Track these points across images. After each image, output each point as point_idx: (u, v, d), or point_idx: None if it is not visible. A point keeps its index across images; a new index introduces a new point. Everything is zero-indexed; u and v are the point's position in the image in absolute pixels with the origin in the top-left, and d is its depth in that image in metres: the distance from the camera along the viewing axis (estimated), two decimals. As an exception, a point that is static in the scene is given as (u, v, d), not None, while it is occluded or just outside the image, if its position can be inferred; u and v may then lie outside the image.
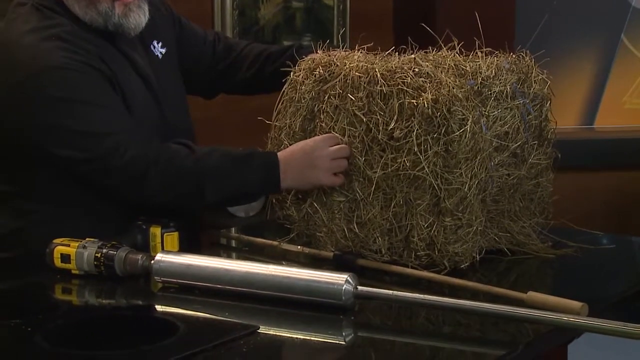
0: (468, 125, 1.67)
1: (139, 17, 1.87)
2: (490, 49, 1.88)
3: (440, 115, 1.68)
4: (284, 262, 1.79)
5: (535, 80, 1.86)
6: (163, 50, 2.00)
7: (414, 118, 1.70)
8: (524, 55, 1.88)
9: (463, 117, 1.68)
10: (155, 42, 1.99)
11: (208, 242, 1.98)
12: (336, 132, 1.80)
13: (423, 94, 1.70)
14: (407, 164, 1.70)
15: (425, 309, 1.52)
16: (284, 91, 1.91)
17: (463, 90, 1.70)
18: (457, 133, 1.67)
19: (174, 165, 1.80)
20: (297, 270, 1.56)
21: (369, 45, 1.88)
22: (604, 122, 4.20)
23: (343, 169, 1.79)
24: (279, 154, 1.83)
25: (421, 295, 1.48)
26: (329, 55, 1.88)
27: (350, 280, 1.50)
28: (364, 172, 1.77)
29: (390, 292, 1.50)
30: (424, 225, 1.71)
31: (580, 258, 1.81)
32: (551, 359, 1.78)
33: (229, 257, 1.90)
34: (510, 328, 1.45)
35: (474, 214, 1.71)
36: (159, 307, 1.62)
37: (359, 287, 1.50)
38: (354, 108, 1.77)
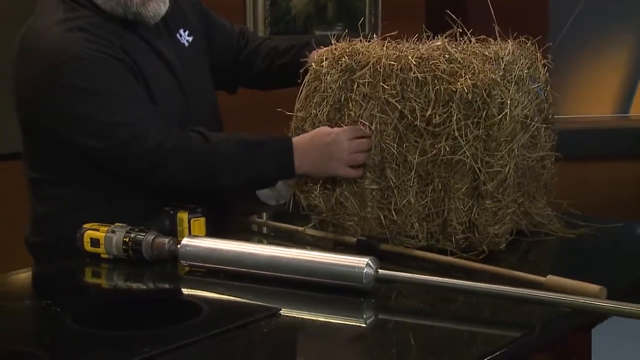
0: (508, 109, 1.70)
1: (158, 6, 1.90)
2: (523, 38, 1.88)
3: (480, 99, 1.70)
4: (308, 247, 1.81)
5: (542, 65, 1.87)
6: (190, 39, 2.02)
7: (453, 103, 1.72)
8: (528, 42, 1.88)
9: (502, 100, 1.71)
10: (182, 30, 2.01)
11: (235, 228, 2.00)
12: (365, 121, 1.82)
13: (460, 79, 1.72)
14: (447, 149, 1.72)
15: (445, 292, 1.53)
16: (305, 81, 1.92)
17: (500, 74, 1.72)
18: (498, 117, 1.70)
19: (190, 153, 1.84)
20: (319, 254, 1.59)
21: (392, 33, 1.89)
22: (639, 110, 4.17)
23: (361, 162, 1.81)
24: (295, 139, 1.86)
25: (440, 279, 1.50)
26: (352, 44, 1.88)
27: (371, 263, 1.52)
28: (398, 159, 1.79)
29: (410, 275, 1.52)
30: (462, 209, 1.74)
31: (600, 239, 1.83)
32: (575, 345, 1.78)
33: (254, 242, 1.92)
34: (527, 311, 1.46)
35: (512, 196, 1.75)
36: (184, 290, 1.67)
37: (380, 271, 1.52)
38: (386, 96, 1.79)
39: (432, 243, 1.78)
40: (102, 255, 1.75)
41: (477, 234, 1.73)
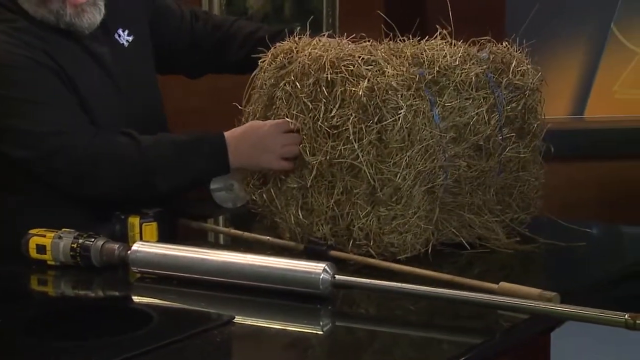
0: (401, 115, 1.67)
1: (93, 17, 1.86)
2: (475, 39, 1.86)
3: (373, 104, 1.68)
4: (264, 253, 1.77)
5: (517, 72, 1.83)
6: (130, 38, 1.98)
7: (351, 106, 1.71)
8: (509, 45, 1.85)
9: (397, 106, 1.68)
10: (120, 30, 1.97)
11: (188, 233, 1.95)
12: (288, 119, 1.82)
13: (361, 82, 1.69)
14: (345, 153, 1.71)
15: (403, 298, 1.50)
16: (253, 76, 1.92)
17: (400, 79, 1.70)
18: (389, 122, 1.67)
19: (121, 159, 1.81)
20: (274, 259, 1.56)
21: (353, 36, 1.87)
22: (594, 112, 4.19)
23: (293, 155, 1.81)
24: (227, 133, 1.85)
25: (399, 284, 1.47)
26: (296, 42, 1.87)
27: (328, 269, 1.49)
28: (309, 160, 1.79)
29: (369, 280, 1.49)
30: (361, 215, 1.72)
31: (544, 253, 1.79)
32: (534, 349, 1.76)
33: (207, 247, 1.86)
34: (487, 316, 1.45)
35: (412, 206, 1.71)
36: (135, 298, 1.64)
37: (337, 276, 1.48)
38: (302, 95, 1.79)
39: (340, 247, 1.75)
40: (49, 262, 1.71)
41: (371, 242, 1.70)
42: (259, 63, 1.90)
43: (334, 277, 1.50)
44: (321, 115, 1.75)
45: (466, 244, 1.78)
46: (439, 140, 1.73)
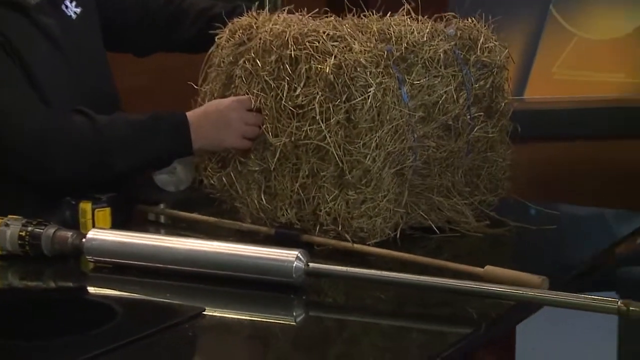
0: (370, 93, 1.60)
1: None
2: (439, 15, 1.79)
3: (341, 82, 1.61)
4: (228, 239, 1.68)
5: (484, 48, 1.77)
6: (78, 10, 1.87)
7: (317, 84, 1.63)
8: (475, 21, 1.79)
9: (366, 84, 1.61)
10: (67, 1, 1.86)
11: (140, 219, 1.85)
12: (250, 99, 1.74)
13: (328, 59, 1.62)
14: (311, 133, 1.64)
15: (380, 286, 1.42)
16: (209, 54, 1.83)
17: (370, 55, 1.62)
18: (358, 100, 1.60)
19: (75, 140, 1.71)
20: (244, 247, 1.47)
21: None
22: (534, 93, 4.18)
23: (254, 135, 1.73)
24: (189, 113, 1.76)
25: (377, 272, 1.40)
26: (254, 17, 1.78)
27: (301, 256, 1.41)
28: (272, 141, 1.71)
29: (344, 268, 1.41)
30: (328, 199, 1.65)
31: (514, 236, 1.74)
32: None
33: (164, 234, 1.77)
34: (471, 305, 1.38)
35: (382, 189, 1.64)
36: (92, 290, 1.53)
37: (310, 264, 1.40)
38: (264, 73, 1.70)
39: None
40: (-7, 252, 1.58)
41: (339, 226, 1.64)
42: (216, 40, 1.80)
43: (308, 265, 1.42)
44: (284, 94, 1.66)
45: (435, 228, 1.72)
46: (408, 120, 1.66)
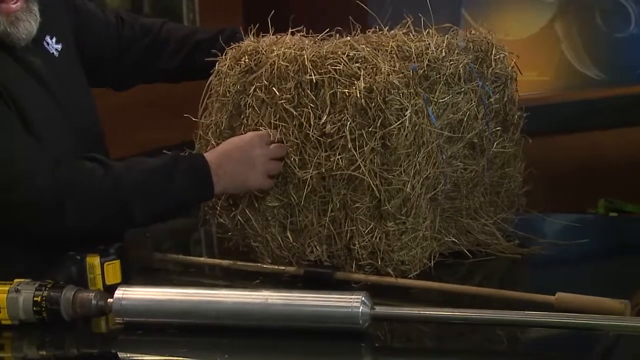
0: (407, 116, 1.50)
1: (30, 24, 1.61)
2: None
3: (375, 106, 1.50)
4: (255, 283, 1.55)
5: (495, 59, 1.69)
6: (59, 47, 1.71)
7: (347, 110, 1.52)
8: (481, 31, 1.71)
9: (401, 107, 1.51)
10: (48, 38, 1.70)
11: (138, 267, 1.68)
12: (264, 129, 1.61)
13: (356, 82, 1.52)
14: (342, 163, 1.52)
15: (446, 326, 1.32)
16: (209, 83, 1.69)
17: (401, 76, 1.53)
18: (395, 125, 1.49)
19: (92, 190, 1.55)
20: (298, 294, 1.34)
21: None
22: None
23: (278, 172, 1.61)
24: (208, 154, 1.62)
25: (452, 311, 1.30)
26: (257, 42, 1.65)
27: (365, 300, 1.29)
28: (298, 174, 1.58)
29: (416, 310, 1.30)
30: (364, 232, 1.53)
31: (550, 255, 1.66)
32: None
33: (178, 284, 1.62)
34: (545, 338, 1.29)
35: (420, 217, 1.54)
36: (132, 356, 1.35)
37: (377, 308, 1.29)
38: (282, 101, 1.58)
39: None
40: (3, 322, 1.40)
41: (379, 261, 1.53)
42: (217, 67, 1.66)
43: (374, 309, 1.30)
44: (312, 123, 1.54)
45: (467, 252, 1.63)
46: (437, 141, 1.57)
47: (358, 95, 1.49)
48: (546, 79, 4.27)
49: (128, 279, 1.54)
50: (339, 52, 1.55)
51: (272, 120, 1.59)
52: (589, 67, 4.45)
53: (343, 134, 1.51)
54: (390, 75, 1.50)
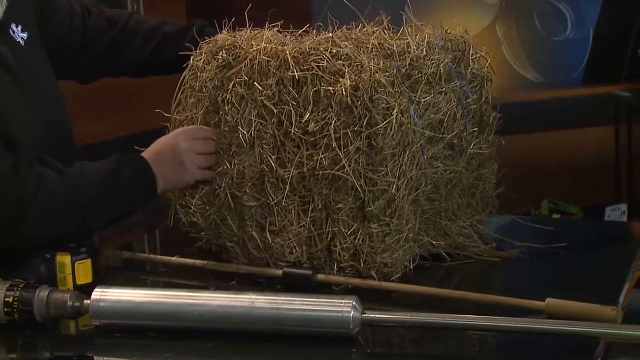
0: (394, 116, 1.47)
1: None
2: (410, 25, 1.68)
3: (361, 104, 1.46)
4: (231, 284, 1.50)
5: (472, 59, 1.67)
6: (24, 35, 1.63)
7: (331, 108, 1.48)
8: (458, 30, 1.69)
9: (388, 106, 1.48)
10: (14, 26, 1.62)
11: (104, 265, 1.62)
12: (243, 126, 1.56)
13: (341, 79, 1.48)
14: (325, 162, 1.48)
15: (429, 330, 1.30)
16: (183, 78, 1.64)
17: (387, 74, 1.50)
18: (382, 125, 1.46)
19: (52, 200, 1.48)
20: (285, 298, 1.29)
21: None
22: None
23: (211, 164, 1.61)
24: (144, 154, 1.60)
25: (443, 316, 1.27)
26: (234, 36, 1.60)
27: (356, 305, 1.26)
28: (277, 172, 1.53)
29: (408, 315, 1.27)
30: (346, 233, 1.50)
31: (528, 258, 1.63)
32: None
33: (150, 285, 1.57)
34: (533, 344, 1.27)
35: (404, 218, 1.52)
36: None
37: (368, 313, 1.26)
38: (262, 97, 1.53)
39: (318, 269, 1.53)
40: (-29, 323, 1.33)
41: (362, 263, 1.50)
42: (192, 61, 1.61)
43: (364, 313, 1.27)
44: (293, 120, 1.50)
45: (445, 255, 1.61)
46: (420, 141, 1.54)
47: (344, 93, 1.46)
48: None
49: (99, 279, 1.47)
50: (321, 49, 1.51)
51: (251, 117, 1.54)
52: (528, 70, 4.49)
53: (327, 133, 1.47)
54: (377, 73, 1.47)
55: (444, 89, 1.60)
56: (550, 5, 4.49)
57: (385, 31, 1.63)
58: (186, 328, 1.29)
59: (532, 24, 4.45)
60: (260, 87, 1.52)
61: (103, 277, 1.49)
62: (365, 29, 1.64)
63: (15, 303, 1.32)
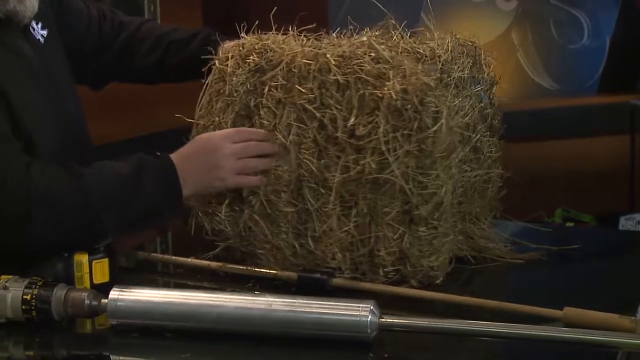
0: (444, 119, 1.45)
1: (34, 1, 1.53)
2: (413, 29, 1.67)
3: (411, 107, 1.45)
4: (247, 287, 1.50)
5: (485, 64, 1.68)
6: (44, 33, 1.62)
7: (379, 112, 1.46)
8: (467, 35, 1.70)
9: (437, 109, 1.46)
10: (34, 23, 1.61)
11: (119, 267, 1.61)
12: (280, 131, 1.53)
13: (387, 83, 1.46)
14: (372, 166, 1.46)
15: (449, 337, 1.29)
16: (208, 83, 1.61)
17: (433, 77, 1.48)
18: (434, 128, 1.45)
19: (60, 198, 1.46)
20: (303, 301, 1.28)
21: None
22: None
23: (253, 169, 1.55)
24: (173, 155, 1.55)
25: (463, 322, 1.27)
26: (262, 40, 1.59)
27: (374, 309, 1.25)
28: (317, 177, 1.51)
29: (426, 320, 1.26)
30: (392, 237, 1.48)
31: (551, 261, 1.63)
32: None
33: (164, 285, 1.57)
34: (564, 355, 1.26)
35: (449, 221, 1.52)
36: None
37: (385, 317, 1.26)
38: (302, 101, 1.51)
39: (357, 276, 1.52)
40: (-11, 320, 1.33)
41: (408, 267, 1.49)
42: (217, 65, 1.59)
43: (382, 318, 1.27)
44: (338, 124, 1.47)
45: (471, 258, 1.60)
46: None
47: (393, 96, 1.44)
48: (503, 86, 4.29)
49: (115, 279, 1.48)
50: (360, 52, 1.50)
51: (290, 121, 1.51)
52: (544, 77, 4.48)
53: (375, 137, 1.45)
54: (425, 77, 1.46)
55: (469, 93, 1.60)
56: (566, 13, 4.48)
57: (403, 35, 1.63)
58: (203, 329, 1.29)
59: (548, 31, 4.44)
60: (302, 90, 1.50)
61: (119, 277, 1.49)
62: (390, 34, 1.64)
63: (34, 301, 1.32)
